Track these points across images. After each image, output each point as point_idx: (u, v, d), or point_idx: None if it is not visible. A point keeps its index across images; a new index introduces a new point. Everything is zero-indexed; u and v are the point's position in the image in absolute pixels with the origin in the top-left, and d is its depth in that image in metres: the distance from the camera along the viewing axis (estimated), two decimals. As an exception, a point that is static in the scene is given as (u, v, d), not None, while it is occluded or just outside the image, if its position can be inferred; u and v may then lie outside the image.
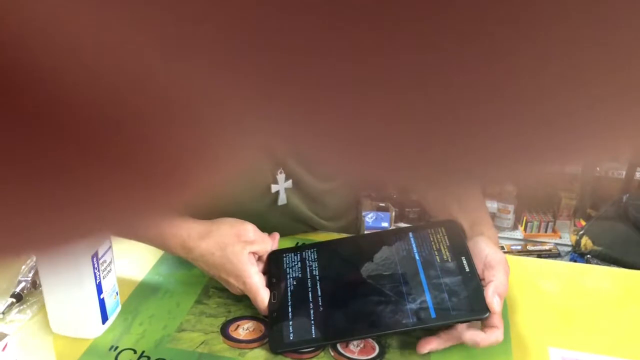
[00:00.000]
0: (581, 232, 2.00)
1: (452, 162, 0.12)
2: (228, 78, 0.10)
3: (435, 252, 0.78)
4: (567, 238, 2.77)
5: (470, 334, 0.69)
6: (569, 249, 2.60)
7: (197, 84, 0.10)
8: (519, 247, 2.76)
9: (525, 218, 2.84)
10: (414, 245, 0.80)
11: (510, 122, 0.11)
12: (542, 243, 2.79)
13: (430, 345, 0.69)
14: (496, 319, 0.69)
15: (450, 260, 0.76)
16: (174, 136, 0.11)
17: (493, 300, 0.69)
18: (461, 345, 0.70)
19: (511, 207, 2.84)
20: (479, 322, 0.70)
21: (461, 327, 0.70)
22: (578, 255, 1.91)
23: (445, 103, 0.10)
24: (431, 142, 0.11)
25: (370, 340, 0.73)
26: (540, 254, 2.68)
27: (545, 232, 2.81)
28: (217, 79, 0.10)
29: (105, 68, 0.10)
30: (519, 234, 2.85)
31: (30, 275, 0.82)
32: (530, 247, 2.75)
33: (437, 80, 0.10)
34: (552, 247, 2.75)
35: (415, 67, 0.10)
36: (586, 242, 1.86)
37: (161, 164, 0.12)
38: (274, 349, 0.71)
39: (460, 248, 0.77)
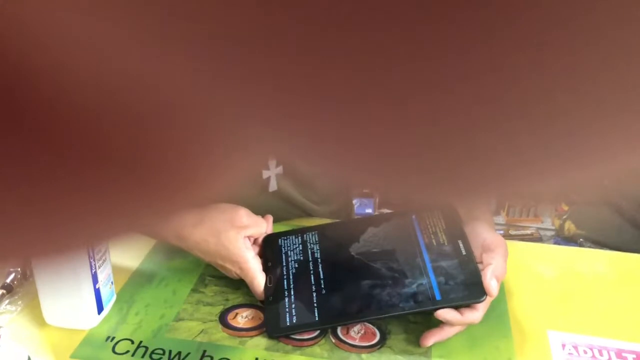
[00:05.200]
0: (564, 217, 2.02)
1: (460, 176, 0.12)
2: (229, 83, 0.10)
3: (432, 235, 0.77)
4: (548, 222, 2.81)
5: (443, 312, 0.68)
6: (551, 233, 2.64)
7: (200, 88, 0.10)
8: (501, 232, 2.79)
9: (507, 203, 2.87)
10: (417, 228, 0.79)
11: (519, 133, 0.11)
12: (523, 227, 2.83)
13: (434, 337, 0.69)
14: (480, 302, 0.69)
15: (446, 243, 0.76)
16: (179, 139, 0.11)
17: (490, 283, 0.68)
18: (462, 331, 0.70)
19: (493, 192, 2.86)
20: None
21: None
22: (562, 239, 1.93)
23: (452, 114, 0.10)
24: (436, 153, 0.11)
25: (370, 326, 0.73)
26: (522, 239, 2.72)
27: (527, 216, 2.85)
28: (219, 83, 0.10)
29: (108, 72, 0.10)
30: (501, 219, 2.88)
31: (20, 265, 0.80)
32: (512, 232, 2.78)
33: (442, 89, 0.10)
34: (534, 231, 2.79)
35: (420, 75, 0.09)
36: (569, 226, 1.88)
37: (165, 167, 0.12)
38: (270, 333, 0.71)
39: (457, 231, 0.77)
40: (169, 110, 0.10)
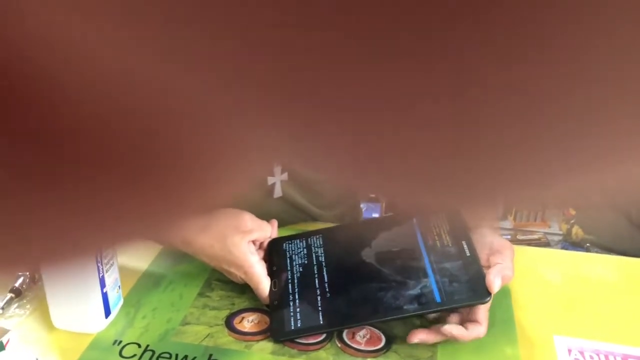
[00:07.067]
0: (572, 221, 2.00)
1: (468, 182, 0.12)
2: (239, 89, 0.10)
3: (436, 237, 0.77)
4: (555, 227, 2.80)
5: (449, 327, 0.68)
6: (558, 238, 2.63)
7: (209, 94, 0.10)
8: (508, 237, 2.78)
9: (514, 207, 2.86)
10: (417, 231, 0.79)
11: (534, 141, 0.11)
12: (531, 232, 2.82)
13: (421, 336, 0.69)
14: (481, 314, 0.69)
15: (450, 245, 0.75)
16: (188, 145, 0.11)
17: (494, 280, 0.68)
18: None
19: (500, 197, 2.85)
20: (460, 318, 0.70)
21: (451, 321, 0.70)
22: (569, 244, 1.92)
23: (460, 119, 0.10)
24: (444, 158, 0.11)
25: (376, 330, 0.73)
26: (529, 244, 2.70)
27: (535, 221, 2.84)
28: (228, 89, 0.10)
29: (115, 77, 0.10)
30: (508, 223, 2.87)
31: (29, 270, 0.80)
32: (519, 237, 2.77)
33: (448, 95, 0.10)
34: (541, 236, 2.77)
35: (427, 81, 0.09)
36: (577, 231, 1.87)
37: (174, 173, 0.12)
38: (275, 337, 0.71)
39: (461, 233, 0.76)
40: (179, 117, 0.10)
